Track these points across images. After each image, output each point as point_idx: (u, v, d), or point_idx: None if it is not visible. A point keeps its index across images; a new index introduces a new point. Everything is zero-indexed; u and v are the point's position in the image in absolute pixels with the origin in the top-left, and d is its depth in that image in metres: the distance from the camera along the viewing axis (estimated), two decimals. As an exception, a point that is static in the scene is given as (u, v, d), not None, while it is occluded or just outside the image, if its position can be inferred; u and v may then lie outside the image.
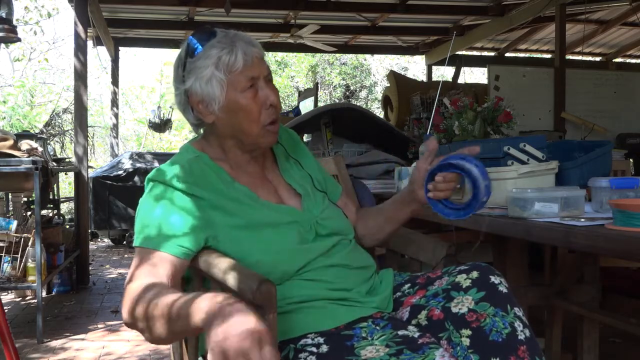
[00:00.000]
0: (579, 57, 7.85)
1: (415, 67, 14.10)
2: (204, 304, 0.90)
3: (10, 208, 4.30)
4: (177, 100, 1.29)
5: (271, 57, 12.82)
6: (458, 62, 7.05)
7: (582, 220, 1.36)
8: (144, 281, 1.09)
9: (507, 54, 8.16)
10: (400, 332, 1.13)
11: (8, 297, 4.14)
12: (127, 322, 1.09)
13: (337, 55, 12.81)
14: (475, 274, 1.19)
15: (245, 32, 1.27)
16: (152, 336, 1.03)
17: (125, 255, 6.08)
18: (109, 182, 6.32)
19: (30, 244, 3.28)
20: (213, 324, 0.86)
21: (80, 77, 4.59)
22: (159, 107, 8.72)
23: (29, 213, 3.90)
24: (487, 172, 1.22)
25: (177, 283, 1.14)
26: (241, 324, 0.84)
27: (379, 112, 10.29)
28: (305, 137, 4.20)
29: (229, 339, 0.84)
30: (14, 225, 3.33)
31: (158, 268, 1.12)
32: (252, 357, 0.83)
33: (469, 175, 1.22)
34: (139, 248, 1.16)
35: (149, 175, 1.24)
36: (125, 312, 1.08)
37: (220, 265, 1.10)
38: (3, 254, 3.29)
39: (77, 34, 4.58)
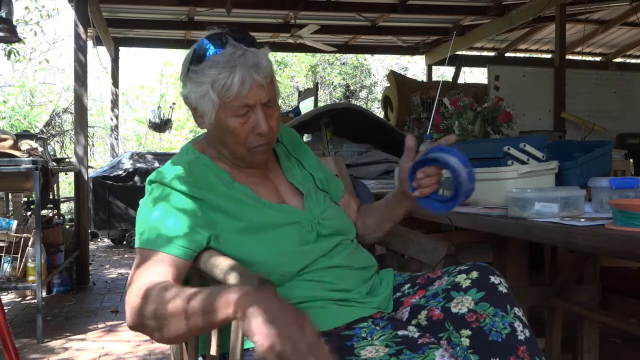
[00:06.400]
0: (579, 57, 7.85)
1: (415, 67, 14.10)
2: (233, 296, 0.91)
3: (10, 208, 4.30)
4: (181, 93, 1.30)
5: (271, 57, 12.79)
6: (458, 62, 7.05)
7: (582, 220, 1.36)
8: (149, 280, 1.07)
9: (507, 54, 8.16)
10: (400, 332, 1.13)
11: (8, 297, 4.14)
12: (133, 323, 1.07)
13: (337, 55, 12.80)
14: (475, 274, 1.19)
15: (257, 52, 1.21)
16: (164, 335, 1.02)
17: (125, 256, 6.08)
18: (109, 182, 6.31)
19: (30, 244, 3.28)
20: (250, 313, 0.88)
21: (80, 77, 4.59)
22: (159, 107, 8.72)
23: (29, 213, 3.90)
24: (467, 159, 1.21)
25: (180, 284, 1.14)
26: (281, 312, 0.88)
27: (379, 112, 10.29)
28: (305, 137, 4.20)
29: (274, 327, 0.86)
30: (14, 225, 3.33)
31: (161, 268, 1.10)
32: (299, 341, 0.86)
33: (447, 166, 1.22)
34: (140, 249, 1.15)
35: (150, 177, 1.24)
36: (130, 313, 1.06)
37: (221, 266, 1.10)
38: (3, 254, 3.29)
39: (77, 35, 4.58)
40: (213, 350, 1.14)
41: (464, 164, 1.21)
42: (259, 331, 0.86)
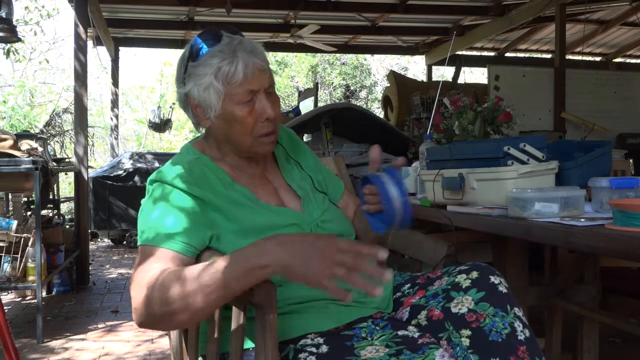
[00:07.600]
0: (579, 57, 7.85)
1: (415, 67, 14.10)
2: (260, 246, 1.00)
3: (10, 208, 4.30)
4: (178, 97, 1.29)
5: (271, 57, 12.81)
6: (458, 62, 7.04)
7: (582, 220, 1.36)
8: (159, 269, 1.06)
9: (507, 54, 8.16)
10: (400, 332, 1.13)
11: (8, 297, 4.14)
12: (143, 318, 1.04)
13: (337, 55, 12.80)
14: (475, 274, 1.19)
15: (251, 40, 1.24)
16: (191, 313, 1.00)
17: (125, 255, 6.08)
18: (109, 182, 6.31)
19: (30, 244, 3.28)
20: (280, 253, 0.97)
21: (80, 77, 4.60)
22: (159, 107, 8.72)
23: (29, 213, 3.90)
24: (404, 190, 1.18)
25: None
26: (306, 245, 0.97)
27: (379, 112, 10.29)
28: (305, 137, 4.20)
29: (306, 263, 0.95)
30: (14, 225, 3.33)
31: (163, 264, 1.09)
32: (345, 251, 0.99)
33: (382, 192, 1.19)
34: (142, 247, 1.14)
35: (151, 177, 1.23)
36: (140, 308, 1.04)
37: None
38: (3, 254, 3.29)
39: (77, 35, 4.58)
40: (213, 350, 1.14)
41: (401, 194, 1.18)
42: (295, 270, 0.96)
